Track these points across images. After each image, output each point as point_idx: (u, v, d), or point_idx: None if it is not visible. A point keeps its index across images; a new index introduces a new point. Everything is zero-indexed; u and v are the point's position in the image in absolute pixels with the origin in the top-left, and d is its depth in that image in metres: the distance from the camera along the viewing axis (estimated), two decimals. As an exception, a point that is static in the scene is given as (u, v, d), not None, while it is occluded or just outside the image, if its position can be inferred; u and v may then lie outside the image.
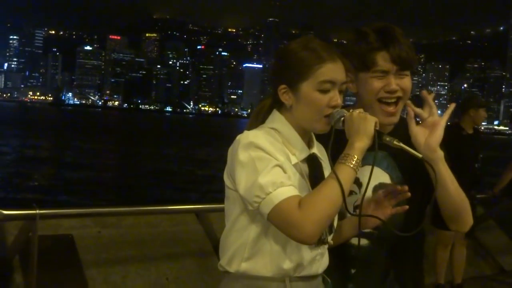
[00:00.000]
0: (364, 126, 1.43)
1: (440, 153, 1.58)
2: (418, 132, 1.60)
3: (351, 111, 1.48)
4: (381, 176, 1.71)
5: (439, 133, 1.59)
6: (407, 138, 1.58)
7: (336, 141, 1.47)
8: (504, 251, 6.06)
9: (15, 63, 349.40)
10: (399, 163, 1.71)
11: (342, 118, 1.47)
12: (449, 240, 4.93)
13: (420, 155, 1.47)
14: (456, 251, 4.98)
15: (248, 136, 1.44)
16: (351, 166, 1.39)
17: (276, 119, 1.54)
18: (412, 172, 1.68)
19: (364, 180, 1.63)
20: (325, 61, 1.48)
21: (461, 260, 5.00)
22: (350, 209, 1.68)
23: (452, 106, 1.65)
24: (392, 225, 1.57)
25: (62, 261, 3.61)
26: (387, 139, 1.46)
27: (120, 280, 3.71)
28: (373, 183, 1.67)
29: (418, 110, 1.64)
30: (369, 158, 1.47)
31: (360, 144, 1.41)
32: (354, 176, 1.41)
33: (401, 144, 1.45)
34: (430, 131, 1.59)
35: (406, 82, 1.66)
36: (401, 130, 1.66)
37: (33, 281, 3.22)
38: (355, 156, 1.40)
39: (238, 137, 1.46)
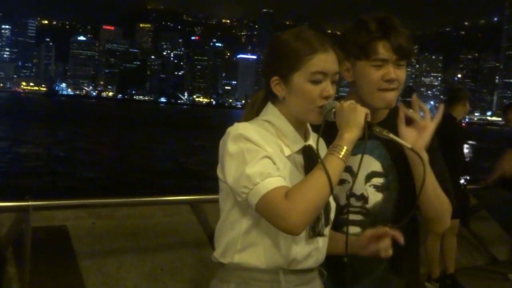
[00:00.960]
0: (354, 117, 1.42)
1: (425, 156, 1.58)
2: (406, 134, 1.61)
3: (342, 102, 1.47)
4: (373, 165, 1.71)
5: (427, 136, 1.60)
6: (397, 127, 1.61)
7: (331, 133, 1.47)
8: (497, 241, 6.09)
9: (8, 53, 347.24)
10: (391, 152, 1.72)
11: (334, 110, 1.47)
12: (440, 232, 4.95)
13: (409, 145, 1.47)
14: (447, 241, 4.99)
15: (237, 128, 1.44)
16: (340, 156, 1.38)
17: (270, 111, 1.54)
18: (404, 161, 1.67)
19: (356, 169, 1.63)
20: (317, 51, 1.47)
21: (452, 249, 5.01)
22: (343, 197, 1.69)
23: (441, 108, 1.68)
24: (384, 215, 1.58)
25: (56, 253, 3.59)
26: (377, 129, 1.45)
27: (114, 271, 3.70)
28: (364, 172, 1.70)
29: (411, 113, 1.63)
30: (362, 147, 1.47)
31: (349, 135, 1.41)
32: (343, 166, 1.39)
33: (391, 135, 1.45)
34: (418, 134, 1.60)
35: (403, 73, 1.67)
36: (392, 120, 1.66)
37: (26, 272, 3.20)
38: (344, 147, 1.39)
39: (228, 129, 1.46)
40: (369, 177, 1.70)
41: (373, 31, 1.61)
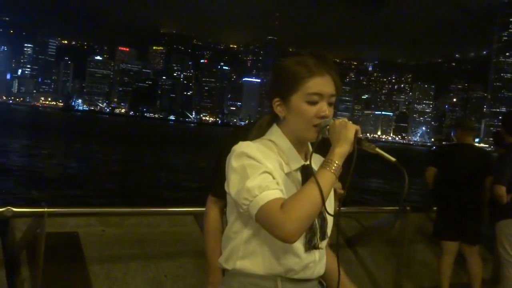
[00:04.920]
0: (345, 133, 1.45)
1: None
2: None
3: (334, 120, 1.50)
4: None
5: None
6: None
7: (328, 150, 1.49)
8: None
9: (29, 69, 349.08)
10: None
11: (328, 127, 1.50)
12: (453, 249, 4.93)
13: (393, 159, 1.48)
14: (472, 264, 4.98)
15: (241, 147, 1.48)
16: (332, 171, 1.42)
17: (274, 132, 1.58)
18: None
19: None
20: (314, 75, 1.50)
21: (477, 274, 4.97)
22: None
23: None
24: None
25: (67, 257, 3.60)
26: (366, 144, 1.47)
27: (121, 276, 3.69)
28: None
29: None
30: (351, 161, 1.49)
31: (340, 149, 1.44)
32: (334, 180, 1.43)
33: (377, 149, 1.47)
34: None
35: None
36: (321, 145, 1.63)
37: (39, 275, 3.20)
38: (336, 161, 1.43)
39: (233, 147, 1.49)
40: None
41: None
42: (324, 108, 1.51)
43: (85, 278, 3.53)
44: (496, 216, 4.66)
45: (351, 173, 1.43)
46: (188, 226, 4.22)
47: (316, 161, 1.59)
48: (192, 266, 3.98)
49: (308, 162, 1.57)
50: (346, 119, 1.49)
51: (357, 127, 1.47)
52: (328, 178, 1.41)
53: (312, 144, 1.61)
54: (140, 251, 3.93)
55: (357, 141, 1.45)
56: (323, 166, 1.43)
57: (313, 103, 1.50)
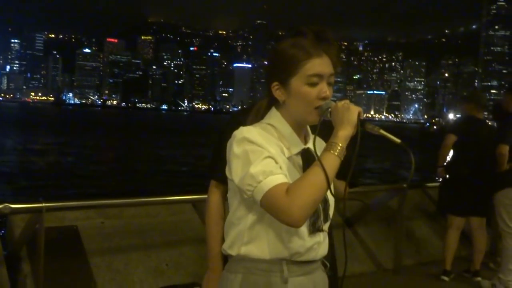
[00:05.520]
0: (347, 116, 1.44)
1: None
2: None
3: (336, 102, 1.49)
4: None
5: None
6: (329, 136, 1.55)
7: (329, 134, 1.48)
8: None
9: (17, 65, 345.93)
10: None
11: (329, 109, 1.49)
12: (460, 224, 4.95)
13: (398, 141, 1.46)
14: (478, 238, 4.99)
15: (242, 132, 1.47)
16: (336, 153, 1.41)
17: (273, 115, 1.57)
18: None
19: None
20: (312, 56, 1.49)
21: (482, 247, 4.99)
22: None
23: None
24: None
25: (68, 251, 3.60)
26: (369, 126, 1.46)
27: (122, 267, 3.70)
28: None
29: None
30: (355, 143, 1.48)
31: (343, 132, 1.43)
32: (339, 162, 1.42)
33: (381, 131, 1.46)
34: None
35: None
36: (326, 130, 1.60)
37: (40, 270, 3.20)
38: (340, 144, 1.42)
39: (234, 132, 1.48)
40: None
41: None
42: (324, 89, 1.50)
43: (87, 271, 3.53)
44: (495, 186, 4.70)
45: (355, 155, 1.43)
46: (187, 214, 4.23)
47: (317, 144, 1.56)
48: (193, 254, 4.00)
49: (308, 146, 1.57)
50: (348, 101, 1.49)
51: (360, 109, 1.47)
52: (333, 161, 1.40)
53: (311, 127, 1.60)
54: (140, 241, 3.94)
55: (361, 123, 1.45)
56: (327, 149, 1.42)
57: (313, 84, 1.49)
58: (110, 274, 3.62)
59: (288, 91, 1.52)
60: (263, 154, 1.42)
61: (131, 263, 3.75)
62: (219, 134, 1.96)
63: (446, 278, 4.87)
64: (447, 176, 5.01)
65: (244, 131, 1.47)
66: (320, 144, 1.53)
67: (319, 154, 1.44)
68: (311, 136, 1.60)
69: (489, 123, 5.37)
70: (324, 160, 1.39)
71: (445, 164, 4.99)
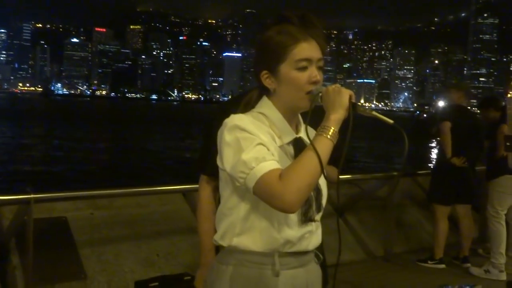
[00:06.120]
0: (339, 99, 1.43)
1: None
2: None
3: (327, 86, 1.49)
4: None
5: None
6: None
7: (319, 121, 1.47)
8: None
9: (4, 55, 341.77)
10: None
11: (320, 94, 1.48)
12: (448, 212, 5.02)
13: (391, 122, 1.45)
14: (465, 225, 5.06)
15: (233, 119, 1.46)
16: (328, 137, 1.40)
17: (264, 104, 1.56)
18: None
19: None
20: (299, 41, 1.48)
21: (469, 233, 5.07)
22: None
23: None
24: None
25: (57, 242, 3.58)
26: (361, 109, 1.45)
27: (113, 258, 3.69)
28: None
29: None
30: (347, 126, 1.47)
31: (336, 116, 1.42)
32: (332, 146, 1.41)
33: (373, 113, 1.46)
34: None
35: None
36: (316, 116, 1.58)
37: (30, 262, 3.18)
38: (332, 127, 1.41)
39: (225, 120, 1.47)
40: None
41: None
42: (314, 73, 1.49)
43: (77, 262, 3.51)
44: (491, 174, 4.82)
45: (348, 138, 1.42)
46: (177, 204, 4.22)
47: (309, 130, 1.54)
48: (184, 243, 3.99)
49: (300, 135, 1.56)
50: (338, 85, 1.48)
51: (351, 92, 1.46)
52: (326, 145, 1.39)
53: (302, 115, 1.58)
54: (130, 231, 3.92)
55: (352, 106, 1.44)
56: (319, 133, 1.42)
57: (302, 69, 1.48)
58: (100, 265, 3.60)
59: (278, 79, 1.51)
60: (255, 141, 1.41)
61: (122, 254, 3.73)
62: (207, 128, 1.92)
63: (442, 266, 4.93)
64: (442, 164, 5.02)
65: (236, 119, 1.46)
66: (311, 132, 1.51)
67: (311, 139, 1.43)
68: (303, 125, 1.59)
69: (472, 110, 5.48)
70: (317, 144, 1.38)
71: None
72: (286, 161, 1.48)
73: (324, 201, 1.57)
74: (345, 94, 1.44)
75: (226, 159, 1.43)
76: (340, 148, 1.44)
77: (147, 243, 3.88)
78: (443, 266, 4.94)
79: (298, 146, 1.53)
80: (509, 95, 4.87)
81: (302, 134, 1.56)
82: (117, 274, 3.61)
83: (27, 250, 3.17)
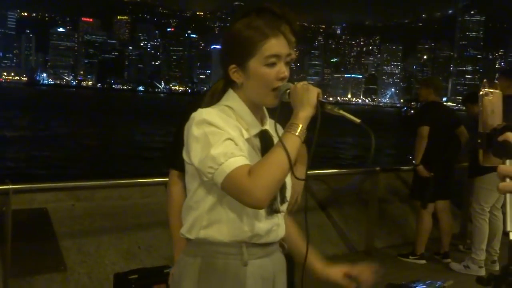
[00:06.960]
0: (307, 97, 1.44)
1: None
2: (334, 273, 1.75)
3: (295, 83, 1.49)
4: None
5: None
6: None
7: (286, 117, 1.48)
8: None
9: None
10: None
11: (288, 91, 1.48)
12: (431, 210, 5.06)
13: (358, 121, 1.46)
14: (444, 220, 5.12)
15: (201, 114, 1.45)
16: (296, 134, 1.41)
17: (230, 97, 1.55)
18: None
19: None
20: (268, 37, 1.48)
21: (449, 229, 5.14)
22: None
23: None
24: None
25: (37, 234, 3.55)
26: (329, 107, 1.46)
27: (93, 250, 3.67)
28: None
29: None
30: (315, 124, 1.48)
31: (304, 113, 1.43)
32: (300, 143, 1.42)
33: (341, 111, 1.46)
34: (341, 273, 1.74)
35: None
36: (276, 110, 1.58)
37: (8, 253, 3.15)
38: (300, 124, 1.42)
39: (193, 114, 1.47)
40: None
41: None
42: (283, 69, 1.50)
43: (57, 254, 3.49)
44: (475, 171, 4.81)
45: (316, 136, 1.44)
46: (159, 196, 4.20)
47: (272, 126, 1.57)
48: (165, 236, 3.97)
49: (265, 127, 1.57)
50: (306, 82, 1.49)
51: (319, 90, 1.46)
52: (295, 142, 1.40)
53: (270, 110, 1.59)
54: (112, 223, 3.90)
55: (320, 104, 1.45)
56: (288, 130, 1.42)
57: (271, 65, 1.49)
58: (80, 257, 3.58)
59: (246, 73, 1.50)
60: (223, 136, 1.41)
61: (103, 246, 3.71)
62: (179, 122, 1.90)
63: (423, 261, 4.99)
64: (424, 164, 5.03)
65: (203, 113, 1.45)
66: (279, 129, 1.53)
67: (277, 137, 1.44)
68: (268, 118, 1.60)
69: (448, 106, 5.51)
70: (285, 141, 1.39)
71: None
72: (254, 154, 1.49)
73: (288, 193, 1.58)
74: (313, 92, 1.44)
75: (194, 154, 1.42)
76: (309, 145, 1.45)
77: (128, 235, 3.87)
78: (423, 261, 4.99)
79: (264, 138, 1.54)
80: (481, 92, 4.90)
81: (268, 127, 1.57)
82: (98, 266, 3.60)
83: (5, 241, 3.14)
